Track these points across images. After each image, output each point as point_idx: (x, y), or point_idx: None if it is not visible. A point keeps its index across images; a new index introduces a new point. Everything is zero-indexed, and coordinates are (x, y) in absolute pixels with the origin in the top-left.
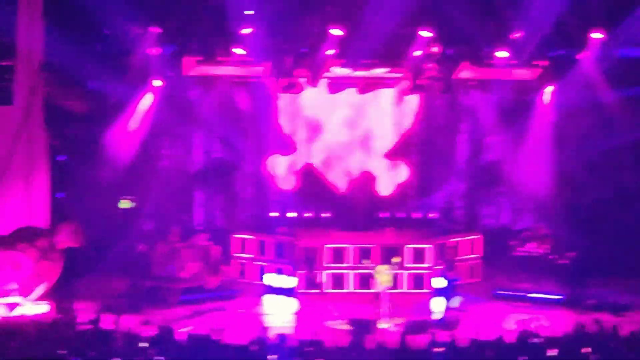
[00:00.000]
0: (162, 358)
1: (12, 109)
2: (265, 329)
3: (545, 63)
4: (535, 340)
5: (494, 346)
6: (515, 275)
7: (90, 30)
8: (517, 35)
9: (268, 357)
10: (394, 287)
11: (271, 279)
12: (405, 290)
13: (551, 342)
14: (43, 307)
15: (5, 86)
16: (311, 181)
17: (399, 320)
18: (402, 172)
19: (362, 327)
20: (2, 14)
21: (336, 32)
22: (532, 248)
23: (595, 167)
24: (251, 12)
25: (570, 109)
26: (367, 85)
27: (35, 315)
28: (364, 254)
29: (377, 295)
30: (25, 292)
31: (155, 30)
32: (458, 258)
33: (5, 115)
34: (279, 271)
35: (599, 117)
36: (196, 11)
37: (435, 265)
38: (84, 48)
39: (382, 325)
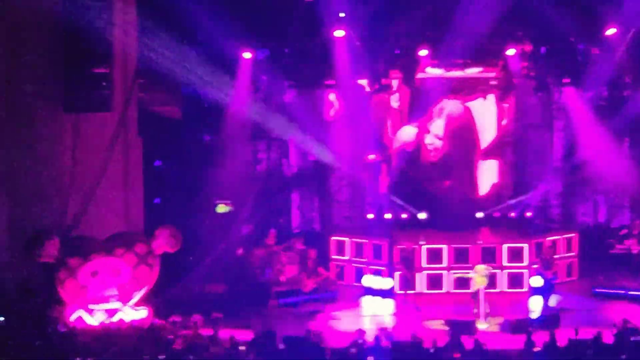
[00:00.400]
0: None
1: (109, 116)
2: (363, 330)
3: None
4: (636, 338)
5: (593, 345)
6: (614, 273)
7: (184, 36)
8: (610, 31)
9: (368, 358)
10: (491, 286)
11: (369, 280)
12: (502, 289)
13: None
14: (142, 313)
15: (103, 93)
16: (407, 182)
17: (497, 320)
18: (498, 172)
19: (460, 327)
20: (97, 21)
21: (429, 32)
22: (630, 245)
23: None
24: (343, 14)
25: None
26: (460, 85)
27: (135, 321)
28: (461, 254)
29: (474, 295)
30: (124, 298)
31: (250, 34)
32: (555, 257)
33: (103, 121)
34: (377, 273)
35: None
36: (289, 14)
37: (532, 264)
38: (178, 54)
39: (481, 325)
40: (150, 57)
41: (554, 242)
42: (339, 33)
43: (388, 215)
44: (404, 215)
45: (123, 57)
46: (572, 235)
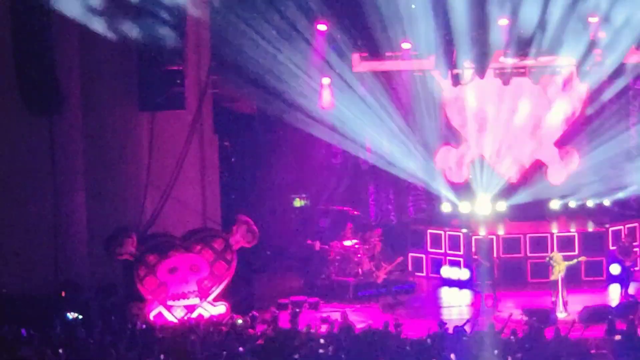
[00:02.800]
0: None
1: (184, 113)
2: (442, 321)
3: None
4: None
5: None
6: None
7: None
8: None
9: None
10: (570, 275)
11: (447, 271)
12: (581, 278)
13: None
14: (220, 308)
15: (177, 90)
16: (482, 173)
17: (577, 309)
18: (574, 160)
19: (540, 317)
20: (171, 19)
21: (503, 21)
22: None
23: None
24: (414, 6)
25: None
26: (535, 74)
27: (213, 316)
28: (538, 243)
29: (553, 284)
30: (203, 294)
31: (323, 27)
32: (634, 244)
33: (178, 119)
34: (454, 264)
35: None
36: (362, 7)
37: (611, 253)
38: (251, 47)
39: (560, 314)
40: (224, 52)
41: (632, 229)
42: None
43: (465, 206)
44: (481, 206)
45: (196, 53)
46: None
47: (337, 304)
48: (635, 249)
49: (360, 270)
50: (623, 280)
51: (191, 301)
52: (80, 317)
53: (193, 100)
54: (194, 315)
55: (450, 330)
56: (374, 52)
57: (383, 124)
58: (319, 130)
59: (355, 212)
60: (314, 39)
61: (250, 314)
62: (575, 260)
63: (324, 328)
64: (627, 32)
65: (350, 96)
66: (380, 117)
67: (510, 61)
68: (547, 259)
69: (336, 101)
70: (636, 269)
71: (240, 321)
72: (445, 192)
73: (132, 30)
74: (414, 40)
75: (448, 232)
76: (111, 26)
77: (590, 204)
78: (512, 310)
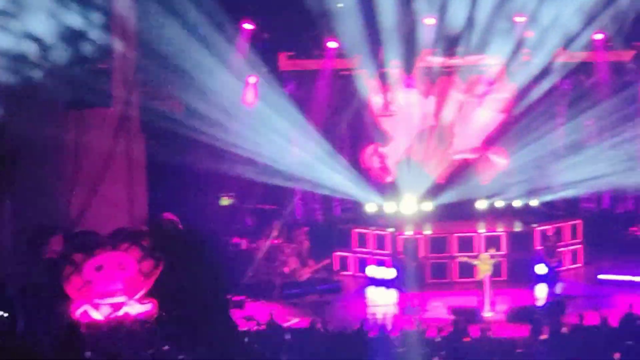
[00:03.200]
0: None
1: (111, 111)
2: (367, 320)
3: None
4: None
5: (598, 331)
6: (619, 260)
7: (184, 31)
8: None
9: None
10: (496, 275)
11: (373, 270)
12: (507, 278)
13: None
14: (147, 306)
15: (103, 89)
16: (408, 172)
17: (503, 308)
18: (500, 160)
19: (466, 316)
20: (98, 18)
21: (430, 20)
22: (635, 231)
23: None
24: (341, 5)
25: None
26: (462, 73)
27: (141, 314)
28: (465, 243)
29: (479, 283)
30: (129, 292)
31: (249, 26)
32: (558, 244)
33: (104, 117)
34: (380, 263)
35: None
36: (288, 6)
37: (537, 252)
38: (179, 48)
39: (487, 314)
40: (151, 52)
41: (557, 229)
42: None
43: (391, 205)
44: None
45: (123, 53)
46: (577, 222)
47: (263, 302)
48: (560, 249)
49: (286, 268)
50: (549, 280)
51: (118, 299)
52: (5, 315)
53: (119, 98)
54: (121, 313)
55: (375, 329)
56: (300, 51)
57: (308, 123)
58: (244, 129)
59: (282, 211)
60: (240, 38)
61: (177, 312)
62: (497, 259)
63: (249, 326)
64: (554, 32)
65: (276, 95)
66: (304, 116)
67: (437, 60)
68: (473, 259)
69: (261, 100)
70: (562, 268)
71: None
72: (370, 191)
73: (59, 28)
74: (341, 39)
75: (374, 232)
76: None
77: (517, 204)
78: (438, 309)
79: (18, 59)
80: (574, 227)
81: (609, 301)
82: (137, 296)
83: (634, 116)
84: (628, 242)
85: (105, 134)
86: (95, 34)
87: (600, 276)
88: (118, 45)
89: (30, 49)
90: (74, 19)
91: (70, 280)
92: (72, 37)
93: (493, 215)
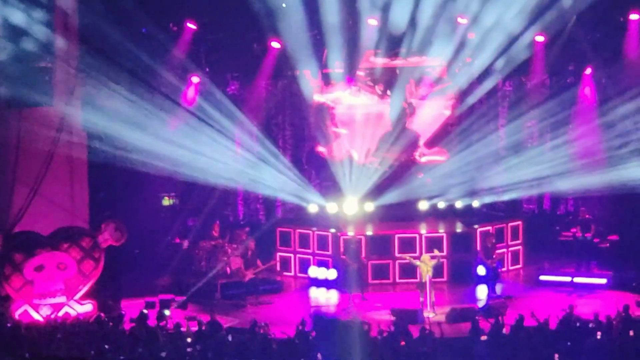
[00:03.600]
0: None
1: (53, 110)
2: (308, 319)
3: None
4: (580, 324)
5: (538, 332)
6: (559, 261)
7: (127, 30)
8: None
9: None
10: (437, 276)
11: (315, 271)
12: (447, 279)
13: (596, 326)
14: (87, 306)
15: (44, 87)
16: (350, 173)
17: (444, 309)
18: (443, 161)
19: (407, 316)
20: (39, 16)
21: (372, 21)
22: (575, 233)
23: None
24: (284, 5)
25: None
26: (405, 74)
27: (81, 314)
28: (407, 244)
29: (420, 284)
30: (70, 292)
31: (192, 26)
32: (496, 245)
33: (46, 116)
34: (322, 264)
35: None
36: (232, 6)
37: (478, 253)
38: (122, 47)
39: (427, 314)
40: (93, 50)
41: (495, 230)
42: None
43: (333, 206)
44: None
45: (65, 51)
46: (518, 223)
47: (205, 302)
48: (498, 250)
49: (228, 269)
50: (489, 281)
51: (58, 299)
52: None
53: (61, 97)
54: (61, 313)
55: (317, 328)
56: (243, 51)
57: (251, 123)
58: (186, 128)
59: (224, 212)
60: (183, 37)
61: (118, 313)
62: (438, 260)
63: (191, 326)
64: (495, 34)
65: (218, 95)
66: (247, 116)
67: (380, 61)
68: (415, 260)
69: (202, 99)
70: (503, 270)
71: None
72: (312, 192)
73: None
74: (284, 39)
75: (316, 232)
76: None
77: (458, 205)
78: (379, 310)
79: None
80: (515, 229)
81: (549, 302)
82: (77, 296)
83: (573, 118)
84: (568, 244)
85: (46, 134)
86: (37, 31)
87: (541, 277)
88: (60, 43)
89: None
90: (16, 16)
91: (10, 280)
92: (14, 34)
93: (435, 216)
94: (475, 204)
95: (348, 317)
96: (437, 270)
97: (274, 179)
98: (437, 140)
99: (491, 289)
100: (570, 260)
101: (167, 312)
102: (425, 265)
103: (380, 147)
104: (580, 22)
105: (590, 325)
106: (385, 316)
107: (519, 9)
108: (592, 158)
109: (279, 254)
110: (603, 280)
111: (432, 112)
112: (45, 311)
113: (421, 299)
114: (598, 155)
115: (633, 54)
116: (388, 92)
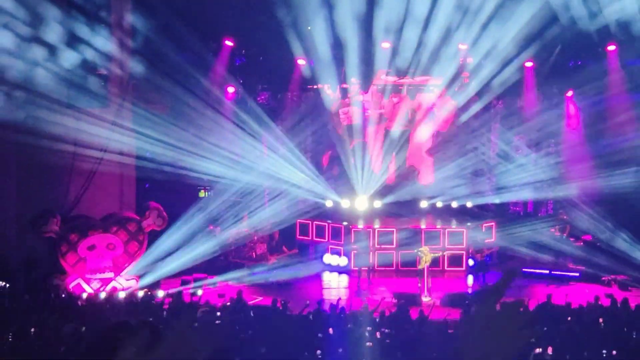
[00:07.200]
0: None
1: (106, 111)
2: (322, 301)
3: None
4: (555, 311)
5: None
6: (539, 256)
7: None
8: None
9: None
10: (434, 265)
11: (328, 258)
12: (444, 268)
13: (569, 313)
14: (132, 282)
15: (100, 91)
16: (362, 174)
17: (439, 294)
18: (441, 166)
19: (407, 300)
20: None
21: (385, 45)
22: (554, 232)
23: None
24: (309, 28)
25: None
26: (411, 91)
27: (126, 288)
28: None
29: (419, 272)
30: (117, 269)
31: (230, 43)
32: (489, 240)
33: (100, 116)
34: (335, 252)
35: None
36: (263, 27)
37: (469, 247)
38: (168, 58)
39: (425, 298)
40: (144, 60)
41: (488, 228)
42: (307, 44)
43: (346, 202)
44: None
45: (119, 61)
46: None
47: (233, 282)
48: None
49: (254, 254)
50: (478, 271)
51: (106, 275)
52: (7, 285)
53: (114, 101)
54: (108, 287)
55: (329, 308)
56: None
57: (278, 129)
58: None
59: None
60: (221, 52)
61: (158, 288)
62: (439, 254)
63: (220, 302)
64: (491, 59)
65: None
66: (275, 122)
67: (390, 79)
68: (416, 251)
69: (235, 106)
70: (490, 262)
71: (141, 294)
72: (329, 190)
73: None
74: (309, 57)
75: (331, 225)
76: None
77: (454, 204)
78: (383, 293)
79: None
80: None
81: (529, 291)
82: (123, 273)
83: (556, 134)
84: (548, 242)
85: (100, 131)
86: (97, 43)
87: (524, 269)
88: (116, 54)
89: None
90: (80, 29)
91: (66, 257)
92: (77, 45)
93: (434, 214)
94: (469, 204)
95: (357, 300)
96: (434, 260)
97: (296, 177)
98: (437, 148)
99: (482, 278)
100: (548, 255)
101: (199, 290)
102: (424, 256)
103: (388, 153)
104: (564, 51)
105: (563, 311)
106: (388, 298)
107: (511, 37)
108: (572, 167)
109: (298, 242)
110: (576, 274)
111: (433, 124)
112: (95, 285)
113: (419, 285)
114: (578, 165)
115: (612, 79)
116: (396, 106)
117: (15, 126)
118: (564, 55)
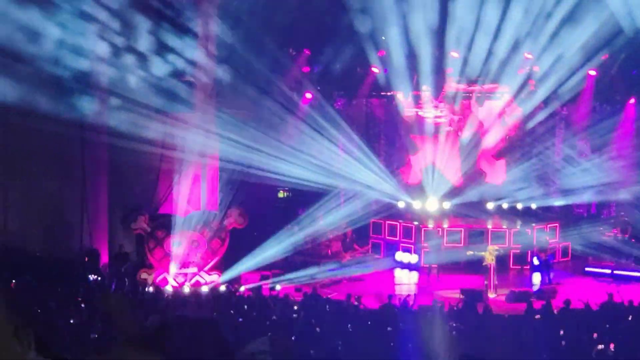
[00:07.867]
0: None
1: (192, 116)
2: (394, 296)
3: None
4: (617, 309)
5: (582, 313)
6: (602, 256)
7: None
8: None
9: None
10: (500, 263)
11: (400, 256)
12: (510, 266)
13: (631, 311)
14: (214, 277)
15: (187, 97)
16: (432, 177)
17: (504, 291)
18: (508, 169)
19: (474, 295)
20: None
21: (455, 54)
22: (615, 233)
23: None
24: (383, 38)
25: None
26: (479, 98)
27: (208, 283)
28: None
29: (486, 269)
30: (200, 264)
31: (307, 52)
32: (552, 241)
33: (186, 120)
34: (406, 250)
35: None
36: (339, 36)
37: (534, 247)
38: (251, 66)
39: (491, 295)
40: (227, 66)
41: (553, 228)
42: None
43: (417, 203)
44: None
45: (204, 68)
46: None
47: (309, 277)
48: (552, 245)
49: (329, 251)
50: (542, 270)
51: (190, 270)
52: (99, 278)
53: (200, 106)
54: (192, 281)
55: (400, 304)
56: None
57: (353, 133)
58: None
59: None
60: (299, 60)
61: (238, 283)
62: (504, 251)
63: (297, 297)
64: (557, 68)
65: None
66: (350, 127)
67: (460, 86)
68: (485, 250)
69: (313, 111)
70: (554, 261)
71: (223, 288)
72: (401, 191)
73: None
74: (383, 65)
75: (402, 224)
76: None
77: (519, 206)
78: (452, 289)
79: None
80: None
81: (592, 290)
82: (206, 268)
83: (617, 139)
84: (610, 242)
85: (186, 135)
86: (184, 52)
87: (587, 268)
88: (202, 61)
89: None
90: (170, 40)
91: (153, 252)
92: (167, 54)
93: (499, 214)
94: (534, 206)
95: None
96: (499, 259)
97: (371, 179)
98: (504, 152)
99: (546, 277)
100: (610, 255)
101: (278, 285)
102: (490, 255)
103: (457, 157)
104: (627, 60)
105: (625, 310)
106: (456, 294)
107: (577, 48)
108: (634, 171)
109: (371, 241)
110: (638, 274)
111: (500, 129)
112: (180, 279)
113: (485, 282)
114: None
115: None
116: (466, 112)
117: (108, 130)
118: (628, 64)
